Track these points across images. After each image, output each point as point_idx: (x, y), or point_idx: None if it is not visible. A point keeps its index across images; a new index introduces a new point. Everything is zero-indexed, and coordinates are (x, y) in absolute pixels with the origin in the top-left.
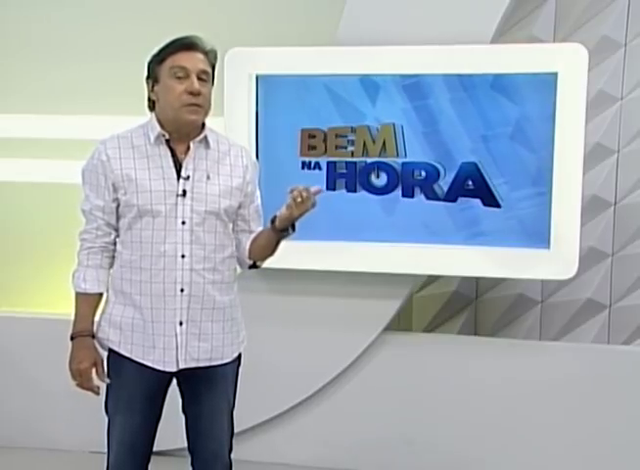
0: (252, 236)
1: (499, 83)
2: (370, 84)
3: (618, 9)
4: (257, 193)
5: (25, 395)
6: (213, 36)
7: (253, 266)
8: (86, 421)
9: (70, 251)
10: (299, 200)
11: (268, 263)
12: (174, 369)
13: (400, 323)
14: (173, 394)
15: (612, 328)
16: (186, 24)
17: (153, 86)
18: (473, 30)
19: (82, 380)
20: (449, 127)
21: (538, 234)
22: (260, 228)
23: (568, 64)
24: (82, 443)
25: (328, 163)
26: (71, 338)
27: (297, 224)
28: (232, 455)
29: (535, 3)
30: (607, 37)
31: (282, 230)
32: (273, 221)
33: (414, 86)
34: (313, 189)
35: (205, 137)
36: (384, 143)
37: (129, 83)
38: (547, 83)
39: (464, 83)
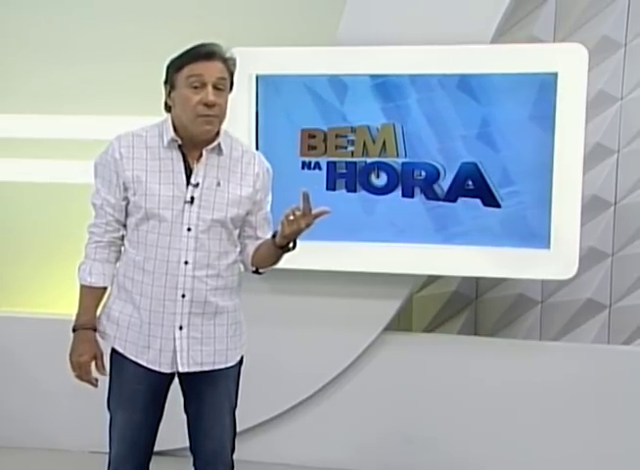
0: (257, 243)
1: (499, 83)
2: (364, 84)
3: (618, 9)
4: (268, 199)
5: (25, 395)
6: (214, 36)
7: (256, 272)
8: (86, 421)
9: (70, 251)
10: (291, 217)
11: None
12: (169, 371)
13: (400, 323)
14: (175, 393)
15: (612, 328)
16: (186, 24)
17: (169, 92)
18: (473, 30)
19: (81, 372)
20: (449, 127)
21: (538, 234)
22: (268, 235)
23: (568, 64)
24: (82, 443)
25: (328, 163)
26: (73, 330)
27: (297, 240)
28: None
29: (535, 3)
30: (607, 37)
31: (281, 247)
32: (274, 236)
33: (412, 86)
34: (315, 211)
35: (219, 144)
36: (384, 143)
37: (130, 83)
38: (547, 83)
39: (464, 83)
